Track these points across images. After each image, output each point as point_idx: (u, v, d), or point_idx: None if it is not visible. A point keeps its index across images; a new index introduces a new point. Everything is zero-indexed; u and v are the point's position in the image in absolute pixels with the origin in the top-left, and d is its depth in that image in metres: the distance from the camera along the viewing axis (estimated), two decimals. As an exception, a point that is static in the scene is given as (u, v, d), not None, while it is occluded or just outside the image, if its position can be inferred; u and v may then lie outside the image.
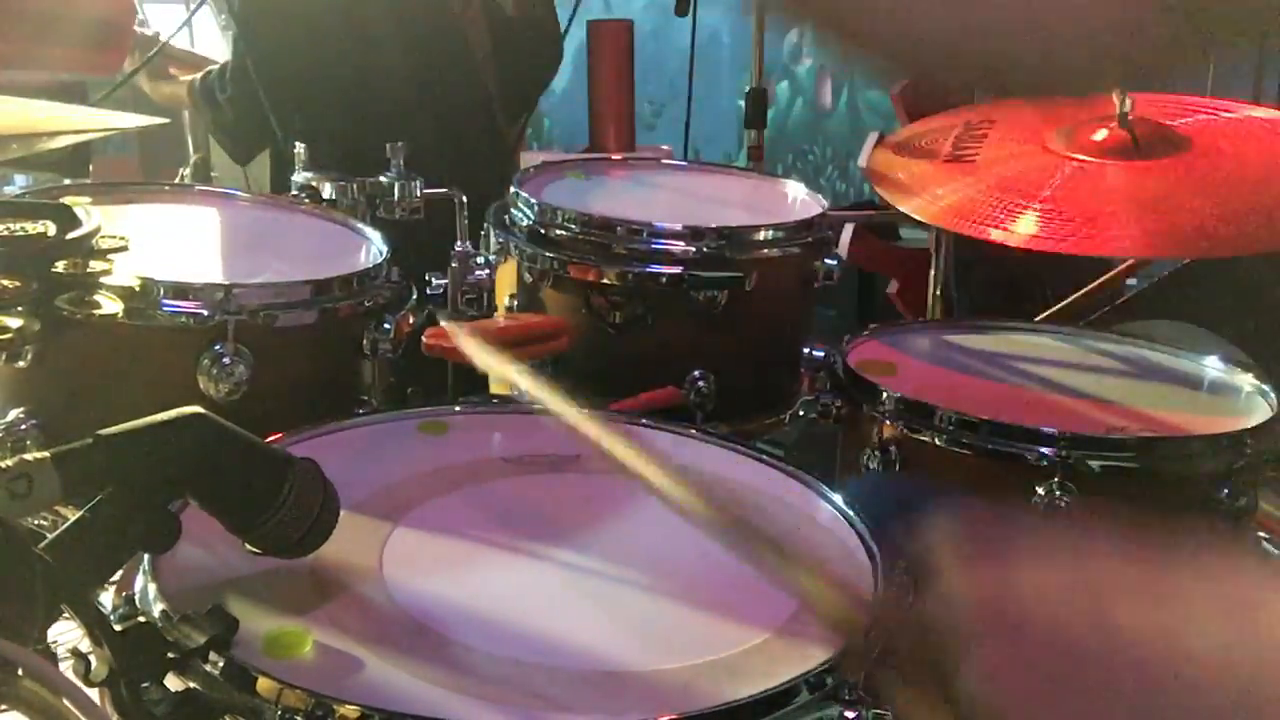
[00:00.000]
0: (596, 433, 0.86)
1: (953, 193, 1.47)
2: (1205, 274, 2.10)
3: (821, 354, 1.45)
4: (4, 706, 0.60)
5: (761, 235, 1.43)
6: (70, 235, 0.92)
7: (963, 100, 1.70)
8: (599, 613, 0.81)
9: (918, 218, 1.50)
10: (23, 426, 1.11)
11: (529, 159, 2.00)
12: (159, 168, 2.80)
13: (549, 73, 2.31)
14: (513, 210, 1.50)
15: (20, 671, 0.60)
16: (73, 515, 0.68)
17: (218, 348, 1.11)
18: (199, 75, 2.16)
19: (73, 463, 0.68)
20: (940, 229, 1.95)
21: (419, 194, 1.50)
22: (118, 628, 0.68)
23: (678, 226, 1.39)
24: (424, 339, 1.30)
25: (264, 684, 0.69)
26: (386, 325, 1.22)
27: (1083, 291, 2.11)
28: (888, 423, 1.24)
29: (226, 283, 1.12)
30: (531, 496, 0.98)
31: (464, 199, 1.52)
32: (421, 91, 2.04)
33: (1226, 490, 1.17)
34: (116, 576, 0.77)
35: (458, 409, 1.14)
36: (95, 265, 0.93)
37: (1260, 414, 1.27)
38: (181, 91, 2.20)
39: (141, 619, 0.71)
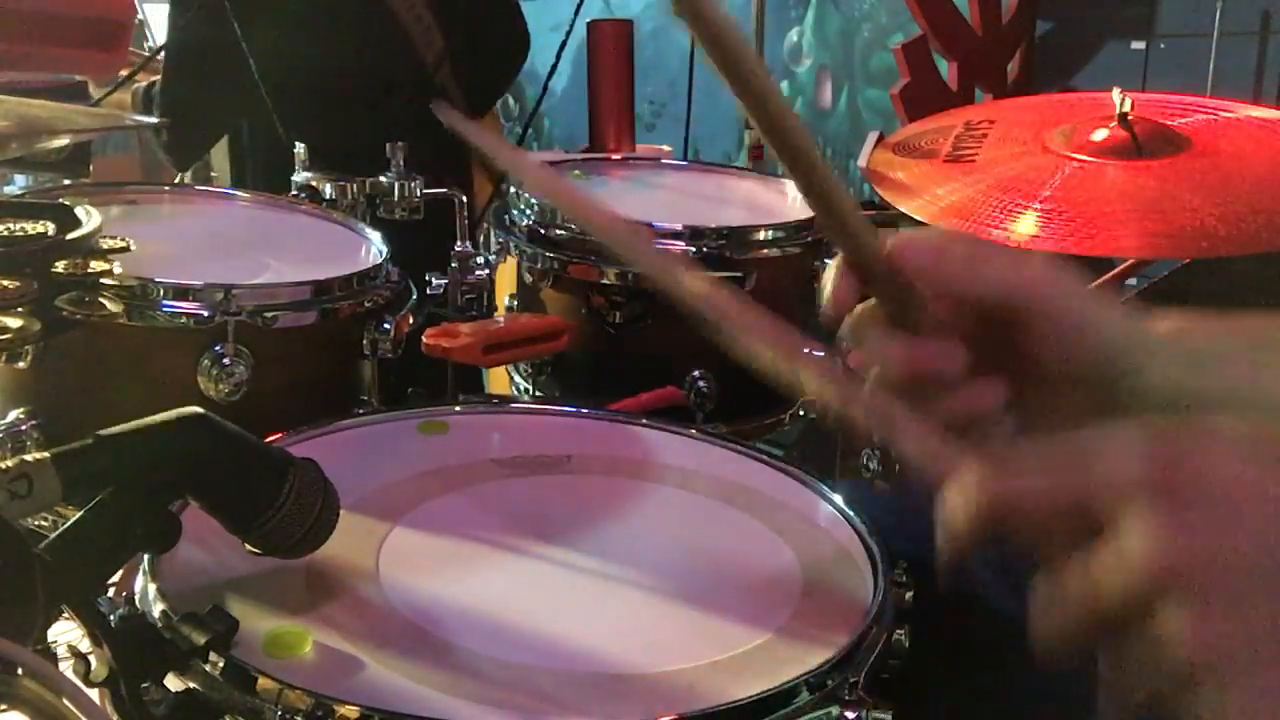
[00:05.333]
0: None
1: (952, 193, 1.47)
2: (1205, 274, 2.10)
3: (821, 354, 1.44)
4: (4, 706, 0.60)
5: (761, 235, 1.43)
6: (70, 235, 0.92)
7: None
8: (599, 614, 0.81)
9: (918, 218, 1.50)
10: (23, 427, 1.11)
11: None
12: (159, 168, 2.80)
13: (517, 60, 2.32)
14: (513, 210, 1.50)
15: (20, 671, 0.60)
16: (73, 515, 0.68)
17: (218, 348, 1.11)
18: (143, 85, 2.16)
19: (73, 463, 0.68)
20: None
21: (419, 194, 1.50)
22: (118, 628, 0.68)
23: (678, 226, 1.39)
24: (424, 339, 1.30)
25: (264, 684, 0.68)
26: (386, 325, 1.22)
27: (1083, 291, 2.11)
28: (888, 423, 1.23)
29: (226, 283, 1.12)
30: (530, 497, 0.98)
31: (464, 199, 1.52)
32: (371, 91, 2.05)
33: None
34: (116, 576, 0.78)
35: (458, 409, 1.14)
36: (95, 265, 0.93)
37: (1260, 414, 1.26)
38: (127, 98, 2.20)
39: (142, 619, 0.71)
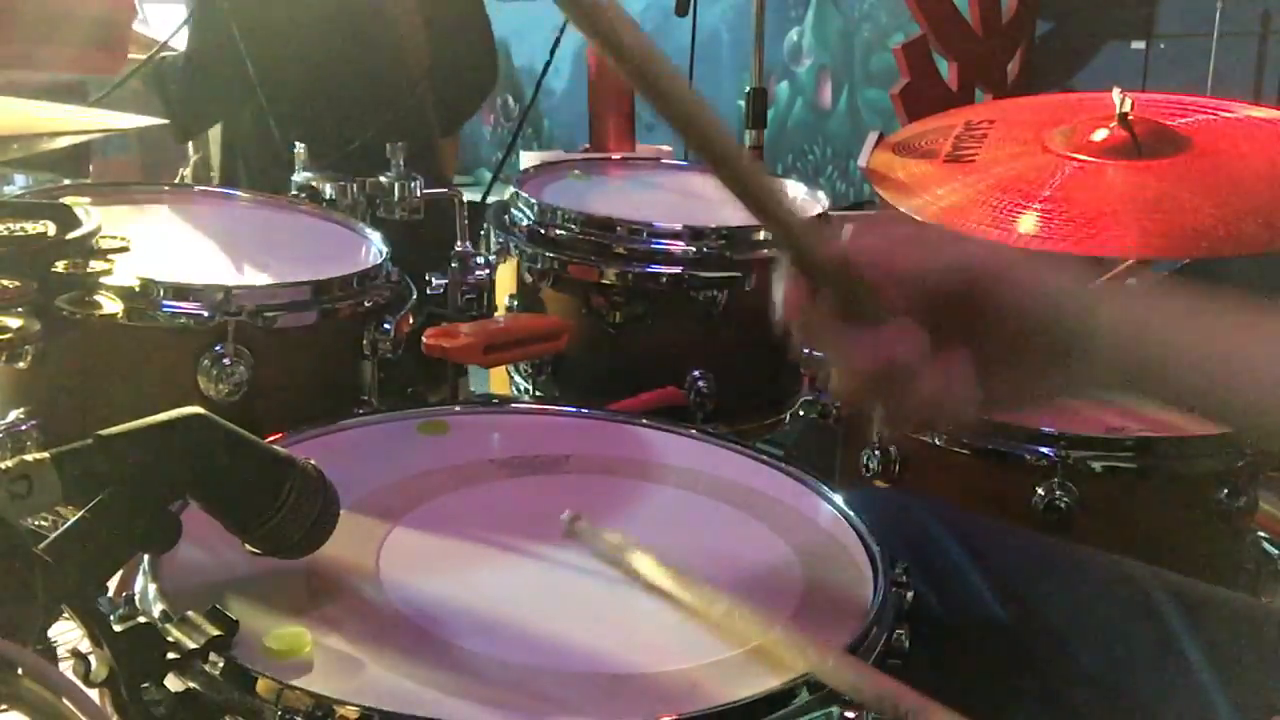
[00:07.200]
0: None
1: (952, 193, 1.47)
2: (1205, 274, 2.10)
3: (822, 354, 1.44)
4: (4, 706, 0.60)
5: (761, 235, 1.42)
6: (70, 235, 0.92)
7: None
8: (599, 614, 0.81)
9: (918, 218, 1.50)
10: (23, 426, 1.11)
11: (529, 159, 1.99)
12: (159, 168, 2.80)
13: (487, 85, 2.35)
14: (513, 210, 1.50)
15: (20, 671, 0.60)
16: (73, 515, 0.68)
17: (218, 348, 1.11)
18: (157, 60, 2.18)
19: (73, 463, 0.68)
20: (940, 229, 1.95)
21: (419, 194, 1.50)
22: (118, 628, 0.68)
23: (678, 226, 1.39)
24: (424, 339, 1.30)
25: (264, 684, 0.68)
26: (386, 325, 1.22)
27: (1083, 291, 2.11)
28: (888, 423, 1.24)
29: (226, 283, 1.12)
30: (530, 497, 0.98)
31: (464, 199, 1.52)
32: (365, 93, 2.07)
33: (1226, 490, 1.17)
34: (116, 577, 0.77)
35: (458, 409, 1.14)
36: (95, 265, 0.93)
37: (1260, 414, 1.26)
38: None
39: (141, 619, 0.71)
